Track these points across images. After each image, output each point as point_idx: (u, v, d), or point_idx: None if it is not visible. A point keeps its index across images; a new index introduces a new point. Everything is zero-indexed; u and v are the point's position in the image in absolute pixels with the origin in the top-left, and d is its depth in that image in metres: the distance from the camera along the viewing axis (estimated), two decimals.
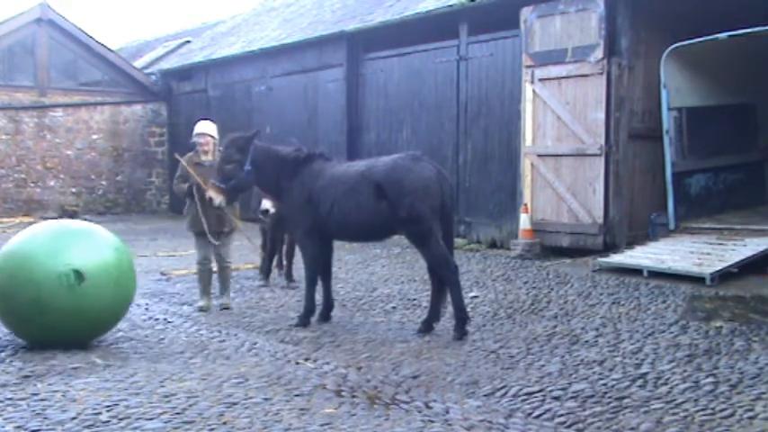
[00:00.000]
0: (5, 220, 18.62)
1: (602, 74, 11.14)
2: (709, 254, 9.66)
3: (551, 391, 5.29)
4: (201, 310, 8.24)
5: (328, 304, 7.77)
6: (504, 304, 8.32)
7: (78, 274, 5.99)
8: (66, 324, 6.03)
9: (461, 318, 6.94)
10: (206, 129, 8.32)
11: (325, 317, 7.71)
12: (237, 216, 8.43)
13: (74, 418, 4.44)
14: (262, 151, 7.58)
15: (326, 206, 7.18)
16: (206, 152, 8.24)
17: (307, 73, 16.82)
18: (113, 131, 21.20)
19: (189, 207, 8.24)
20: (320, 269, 7.59)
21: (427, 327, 7.19)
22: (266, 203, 8.62)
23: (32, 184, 20.16)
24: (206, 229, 8.01)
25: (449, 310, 7.20)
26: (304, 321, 7.50)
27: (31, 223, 10.62)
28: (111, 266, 6.24)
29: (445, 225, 7.10)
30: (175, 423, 4.36)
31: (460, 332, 6.88)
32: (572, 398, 5.15)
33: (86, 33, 20.55)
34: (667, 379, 5.51)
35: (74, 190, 20.75)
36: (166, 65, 22.80)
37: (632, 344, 6.52)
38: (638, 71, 11.44)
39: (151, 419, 4.42)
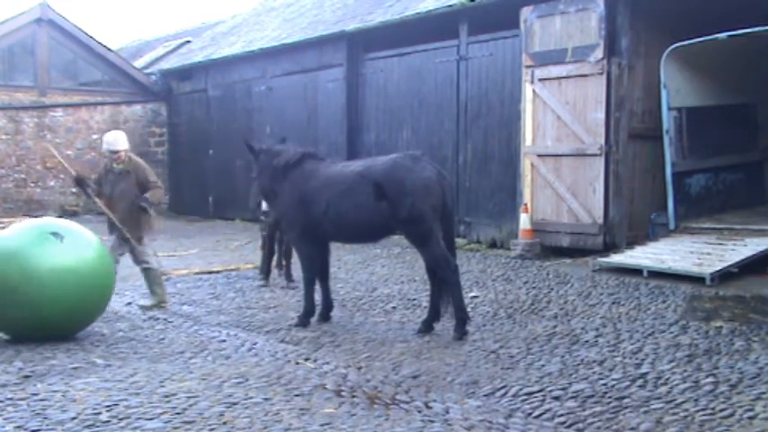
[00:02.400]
0: (5, 220, 18.60)
1: (602, 74, 11.14)
2: (709, 254, 9.66)
3: (551, 391, 5.29)
4: None
5: (327, 304, 7.77)
6: (504, 304, 8.33)
7: (56, 234, 6.48)
8: (48, 315, 6.33)
9: (462, 318, 6.93)
10: (118, 145, 8.22)
11: (325, 317, 7.71)
12: (150, 222, 8.41)
13: (74, 418, 4.45)
14: (265, 154, 7.78)
15: (321, 207, 7.16)
16: (119, 162, 8.22)
17: (307, 73, 16.81)
18: None
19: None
20: (317, 270, 7.59)
21: (427, 327, 7.18)
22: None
23: (32, 184, 20.15)
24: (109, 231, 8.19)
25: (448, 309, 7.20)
26: (304, 322, 7.51)
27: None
28: (90, 260, 6.62)
29: (446, 225, 7.08)
30: (175, 423, 4.37)
31: (461, 332, 6.88)
32: (572, 398, 5.15)
33: (86, 33, 20.54)
34: (667, 379, 5.52)
35: (74, 190, 20.68)
36: (166, 65, 22.79)
37: (632, 344, 6.52)
38: (638, 71, 11.44)
39: (151, 419, 4.43)
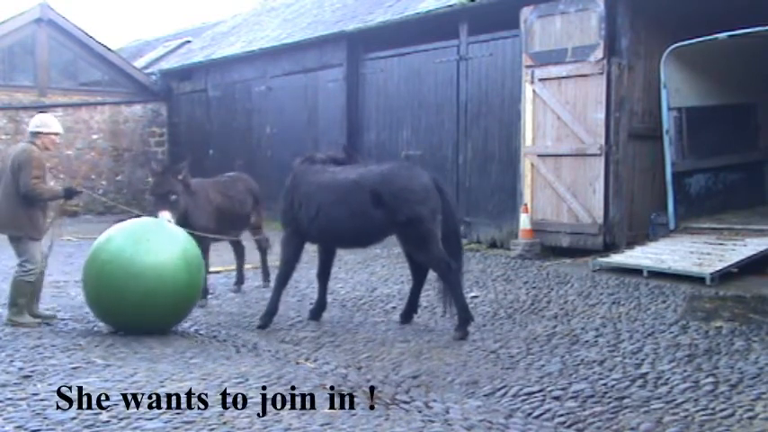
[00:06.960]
0: None
1: (602, 74, 11.13)
2: (709, 254, 9.66)
3: (551, 391, 5.29)
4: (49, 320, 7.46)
5: (322, 304, 7.85)
6: (504, 304, 8.33)
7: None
8: (149, 310, 6.72)
9: (465, 318, 6.95)
10: (60, 127, 7.58)
11: (316, 316, 7.77)
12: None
13: (74, 418, 4.45)
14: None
15: (311, 213, 7.19)
16: (48, 150, 7.53)
17: (307, 73, 16.81)
18: (113, 131, 21.18)
19: (32, 210, 7.21)
20: (291, 274, 7.64)
21: (407, 318, 7.56)
22: (164, 214, 8.13)
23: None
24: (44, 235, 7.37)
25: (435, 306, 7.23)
26: (266, 321, 7.48)
27: None
28: (181, 258, 6.91)
29: (451, 227, 7.17)
30: (175, 423, 4.37)
31: (463, 332, 6.89)
32: (572, 398, 5.16)
33: (86, 33, 20.53)
34: (667, 379, 5.52)
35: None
36: (166, 65, 22.79)
37: (632, 344, 6.52)
38: (638, 71, 11.43)
39: (151, 419, 4.43)
